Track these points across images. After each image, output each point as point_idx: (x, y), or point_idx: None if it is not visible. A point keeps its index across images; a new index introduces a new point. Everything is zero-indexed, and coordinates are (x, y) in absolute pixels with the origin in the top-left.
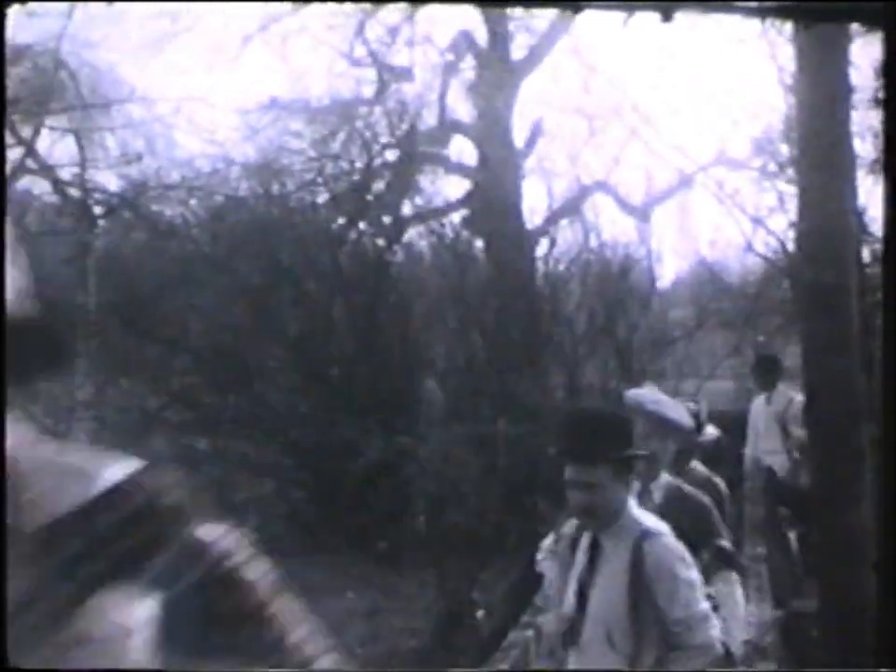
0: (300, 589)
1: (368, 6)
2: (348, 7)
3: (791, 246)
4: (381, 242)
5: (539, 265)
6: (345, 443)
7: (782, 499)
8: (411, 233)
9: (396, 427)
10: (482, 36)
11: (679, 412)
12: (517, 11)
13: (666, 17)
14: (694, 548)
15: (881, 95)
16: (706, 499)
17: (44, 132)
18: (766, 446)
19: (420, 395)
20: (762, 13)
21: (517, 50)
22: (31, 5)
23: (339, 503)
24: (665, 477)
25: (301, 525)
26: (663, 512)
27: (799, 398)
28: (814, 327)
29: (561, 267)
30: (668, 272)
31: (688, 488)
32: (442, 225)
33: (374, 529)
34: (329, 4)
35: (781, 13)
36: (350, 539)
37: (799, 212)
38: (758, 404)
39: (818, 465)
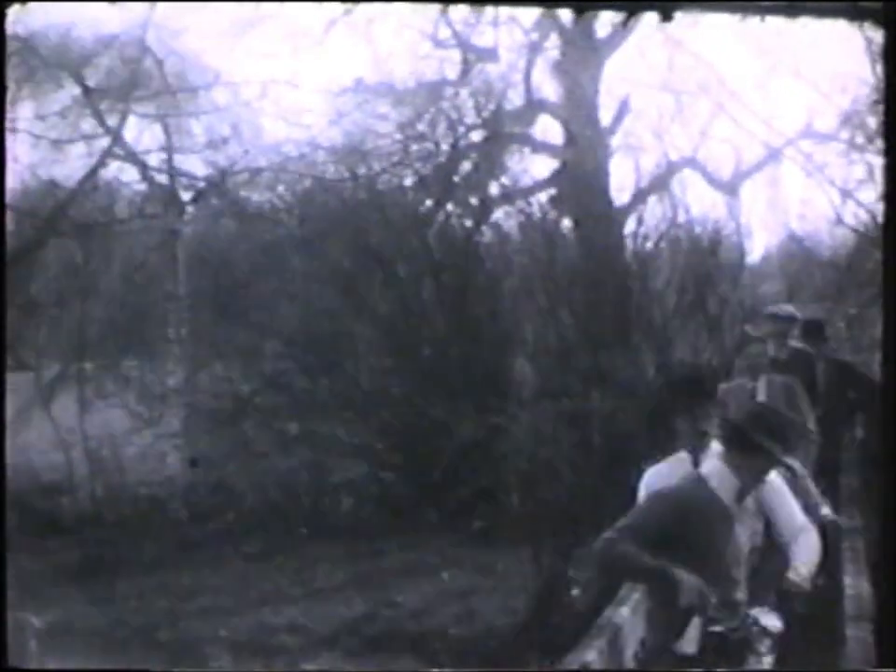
0: (394, 570)
1: None
2: None
3: (881, 218)
4: (468, 223)
5: (628, 242)
6: (437, 424)
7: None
8: (498, 213)
9: (487, 406)
10: (566, 15)
11: None
12: None
13: (666, 17)
14: None
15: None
16: None
17: (131, 119)
18: None
19: (511, 374)
20: (760, 11)
21: (601, 28)
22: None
23: (432, 483)
24: None
25: (394, 506)
26: None
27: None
28: None
29: (649, 244)
30: (758, 246)
31: None
32: (530, 204)
33: (468, 508)
34: None
35: (781, 11)
36: (443, 518)
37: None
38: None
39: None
